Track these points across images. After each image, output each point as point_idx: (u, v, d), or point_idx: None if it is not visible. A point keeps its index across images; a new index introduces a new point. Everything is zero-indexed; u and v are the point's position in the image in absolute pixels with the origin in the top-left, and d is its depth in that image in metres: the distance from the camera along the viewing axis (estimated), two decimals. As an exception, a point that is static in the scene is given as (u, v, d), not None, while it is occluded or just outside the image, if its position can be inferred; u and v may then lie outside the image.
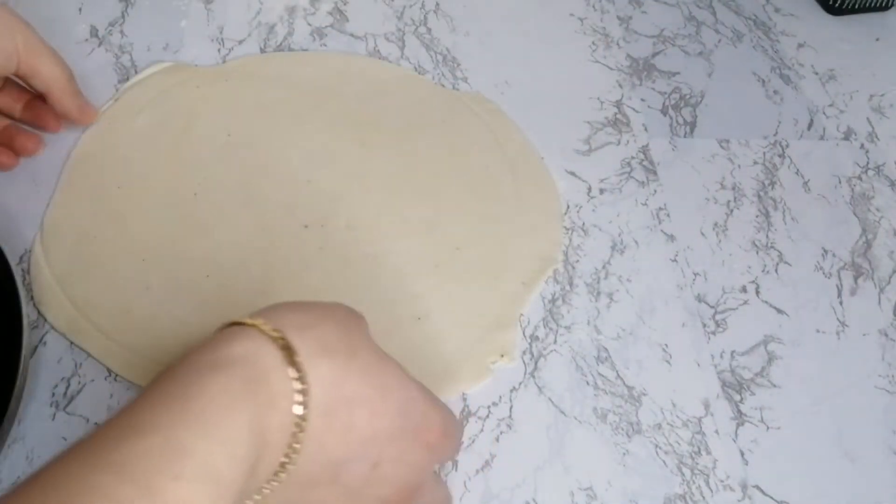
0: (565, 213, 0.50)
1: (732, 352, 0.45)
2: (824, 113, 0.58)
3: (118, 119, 0.51)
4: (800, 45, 0.62)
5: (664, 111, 0.57)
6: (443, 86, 0.56)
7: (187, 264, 0.44)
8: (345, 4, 0.61)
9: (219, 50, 0.56)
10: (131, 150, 0.49)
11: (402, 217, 0.48)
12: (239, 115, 0.52)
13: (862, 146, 0.56)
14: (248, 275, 0.44)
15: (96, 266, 0.44)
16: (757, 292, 0.47)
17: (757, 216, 0.51)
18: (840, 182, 0.54)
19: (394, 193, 0.49)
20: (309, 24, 0.59)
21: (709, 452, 0.41)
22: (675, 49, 0.61)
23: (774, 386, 0.44)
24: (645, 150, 0.54)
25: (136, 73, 0.54)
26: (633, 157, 0.54)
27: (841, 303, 0.48)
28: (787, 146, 0.55)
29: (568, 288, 0.46)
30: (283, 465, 0.26)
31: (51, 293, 0.42)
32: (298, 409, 0.25)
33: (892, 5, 0.65)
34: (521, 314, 0.45)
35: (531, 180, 0.51)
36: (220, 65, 0.55)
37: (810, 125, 0.57)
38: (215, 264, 0.44)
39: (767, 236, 0.50)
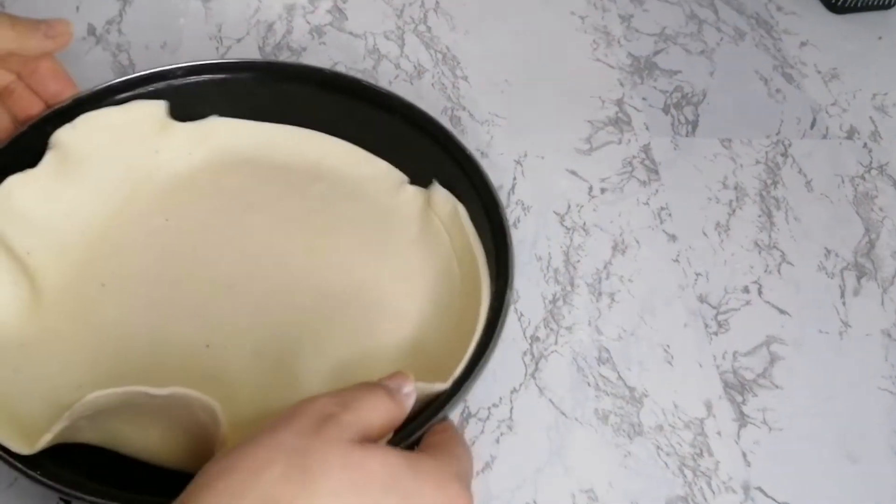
0: (566, 213, 0.50)
1: (734, 352, 0.44)
2: (827, 112, 0.58)
3: (51, 169, 0.42)
4: (802, 44, 0.62)
5: (666, 110, 0.56)
6: (443, 84, 0.56)
7: (69, 363, 0.38)
8: (344, 2, 0.61)
9: (217, 48, 0.56)
10: (53, 211, 0.42)
11: (320, 352, 0.39)
12: (187, 196, 0.44)
13: (865, 145, 0.56)
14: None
15: None
16: (759, 292, 0.47)
17: (759, 216, 0.51)
18: (843, 181, 0.54)
19: (322, 322, 0.40)
20: (308, 23, 0.59)
21: (711, 454, 0.40)
22: (677, 47, 0.61)
23: (777, 387, 0.43)
24: (646, 149, 0.54)
25: (133, 71, 0.53)
26: (634, 157, 0.53)
27: (844, 303, 0.47)
28: (790, 145, 0.55)
29: (569, 288, 0.46)
30: None
31: None
32: None
33: (895, 3, 0.65)
34: None
35: (470, 311, 0.40)
36: (195, 127, 0.47)
37: (813, 124, 0.57)
38: (100, 368, 0.37)
39: (770, 236, 0.50)
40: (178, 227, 0.43)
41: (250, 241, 0.43)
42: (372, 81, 0.48)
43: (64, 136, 0.43)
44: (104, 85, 0.45)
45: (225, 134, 0.47)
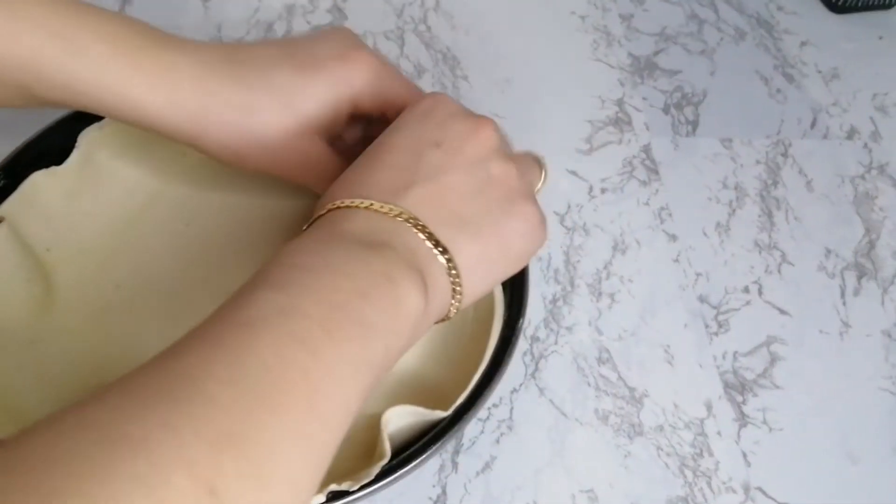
0: (566, 213, 0.50)
1: (735, 353, 0.44)
2: (827, 112, 0.57)
3: (76, 167, 0.43)
4: (803, 44, 0.62)
5: (666, 110, 0.56)
6: (443, 84, 0.56)
7: (76, 363, 0.37)
8: (344, 2, 0.61)
9: (217, 48, 0.56)
10: (75, 210, 0.42)
11: None
12: (210, 202, 0.44)
13: (865, 145, 0.56)
14: None
15: None
16: (759, 293, 0.47)
17: (759, 216, 0.51)
18: (843, 181, 0.53)
19: None
20: (308, 23, 0.59)
21: (711, 454, 0.40)
22: (677, 47, 0.61)
23: (777, 387, 0.43)
24: (647, 149, 0.54)
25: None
26: (634, 157, 0.53)
27: (844, 303, 0.47)
28: (790, 145, 0.55)
29: (569, 288, 0.46)
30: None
31: None
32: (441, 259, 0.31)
33: (896, 3, 0.65)
34: None
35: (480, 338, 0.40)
36: None
37: (813, 124, 0.57)
38: (106, 371, 0.37)
39: (770, 236, 0.50)
40: (198, 234, 0.42)
41: (270, 252, 0.42)
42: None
43: (91, 135, 0.43)
44: None
45: None
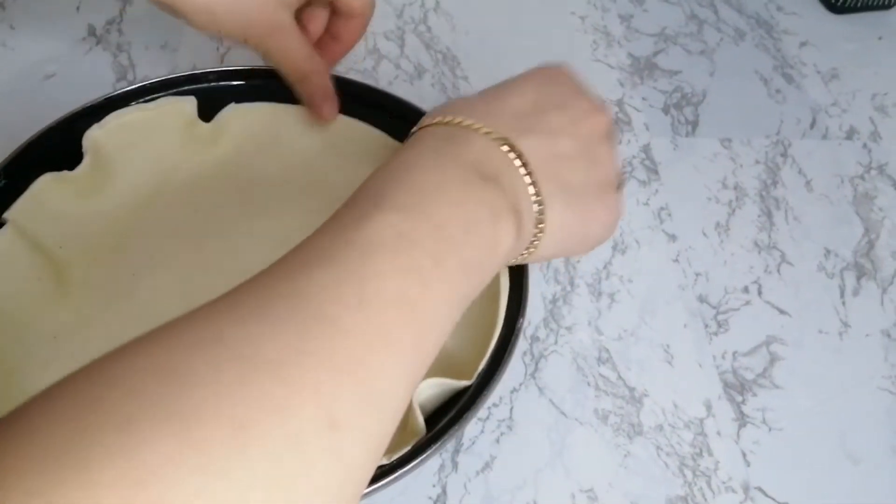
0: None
1: (734, 352, 0.44)
2: (827, 112, 0.57)
3: (84, 168, 0.43)
4: (802, 44, 0.62)
5: (666, 110, 0.56)
6: (443, 85, 0.56)
7: (100, 351, 0.40)
8: (344, 3, 0.61)
9: (217, 48, 0.56)
10: (85, 208, 0.43)
11: None
12: (216, 188, 0.45)
13: (865, 145, 0.56)
14: None
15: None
16: (759, 293, 0.47)
17: (759, 216, 0.51)
18: (843, 181, 0.53)
19: None
20: (308, 23, 0.59)
21: (710, 454, 0.40)
22: (677, 48, 0.61)
23: (777, 387, 0.43)
24: (646, 149, 0.54)
25: (133, 72, 0.54)
26: (634, 157, 0.53)
27: (843, 303, 0.47)
28: (790, 145, 0.55)
29: (569, 288, 0.46)
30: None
31: None
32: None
33: (895, 4, 0.65)
34: None
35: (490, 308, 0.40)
36: (220, 118, 0.46)
37: (813, 124, 0.57)
38: None
39: (770, 236, 0.50)
40: (208, 219, 0.43)
41: (281, 229, 0.43)
42: (373, 83, 0.48)
43: (94, 135, 0.44)
44: (136, 85, 0.45)
45: (246, 121, 0.47)
